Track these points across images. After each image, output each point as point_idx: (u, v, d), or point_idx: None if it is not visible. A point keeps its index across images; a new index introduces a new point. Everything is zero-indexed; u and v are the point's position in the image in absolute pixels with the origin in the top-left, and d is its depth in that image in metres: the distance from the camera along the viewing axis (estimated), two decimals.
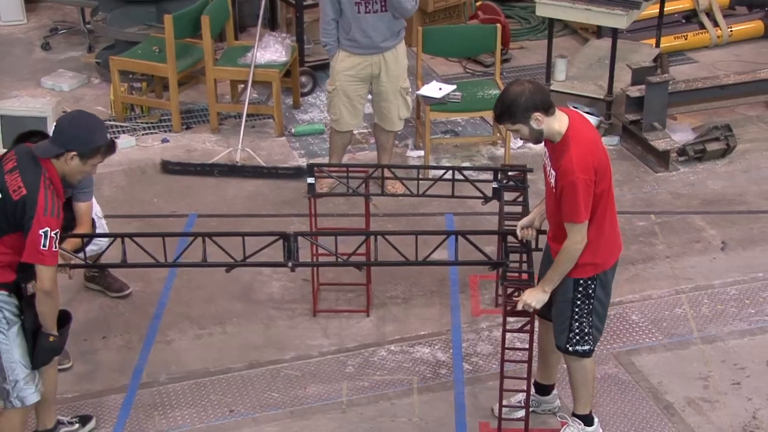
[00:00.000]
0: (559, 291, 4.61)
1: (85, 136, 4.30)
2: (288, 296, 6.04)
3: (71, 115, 4.41)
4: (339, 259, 5.05)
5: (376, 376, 5.43)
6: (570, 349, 4.68)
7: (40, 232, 4.17)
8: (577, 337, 4.65)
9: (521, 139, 4.56)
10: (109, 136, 4.42)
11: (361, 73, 6.70)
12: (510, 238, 4.90)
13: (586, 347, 4.67)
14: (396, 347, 5.64)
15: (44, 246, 4.20)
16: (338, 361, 5.53)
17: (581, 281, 4.55)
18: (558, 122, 4.39)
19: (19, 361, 4.42)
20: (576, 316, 4.61)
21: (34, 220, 4.17)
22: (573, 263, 4.45)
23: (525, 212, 5.19)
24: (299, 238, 4.92)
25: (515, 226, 5.10)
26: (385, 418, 5.15)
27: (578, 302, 4.58)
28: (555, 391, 5.11)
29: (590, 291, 4.57)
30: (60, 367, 5.30)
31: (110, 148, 4.41)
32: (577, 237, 4.40)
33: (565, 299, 4.61)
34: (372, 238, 5.07)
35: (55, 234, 4.22)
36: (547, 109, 4.36)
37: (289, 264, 4.91)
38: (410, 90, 6.92)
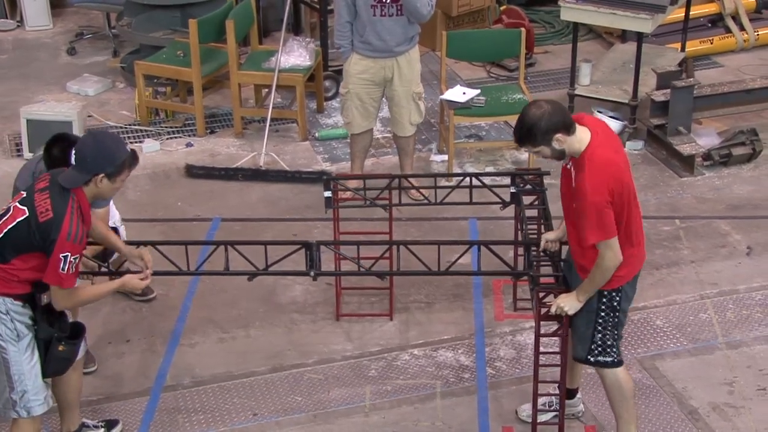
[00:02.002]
0: None
1: (108, 156, 4.32)
2: (311, 300, 6.05)
3: (88, 140, 4.41)
4: (361, 269, 5.08)
5: (399, 380, 5.43)
6: (592, 360, 4.63)
7: (61, 255, 4.22)
8: (599, 349, 4.60)
9: (543, 157, 4.52)
10: (128, 147, 4.44)
11: (375, 76, 6.69)
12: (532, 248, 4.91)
13: (609, 359, 4.63)
14: (419, 351, 5.63)
15: (63, 269, 4.24)
16: (361, 365, 5.53)
17: (606, 293, 4.51)
18: (578, 141, 4.35)
19: (27, 373, 4.42)
20: (600, 328, 4.57)
21: (57, 243, 4.21)
22: (607, 278, 4.43)
23: (544, 215, 5.20)
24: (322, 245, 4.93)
25: (535, 230, 5.09)
26: (408, 422, 5.15)
27: (602, 314, 4.54)
28: (579, 395, 5.09)
29: (615, 303, 4.53)
30: (85, 370, 5.33)
31: (134, 159, 4.43)
32: (608, 254, 4.35)
33: (588, 310, 4.56)
34: (394, 247, 5.07)
35: (75, 259, 4.27)
36: (568, 129, 4.33)
37: (312, 273, 4.93)
38: (423, 95, 6.91)
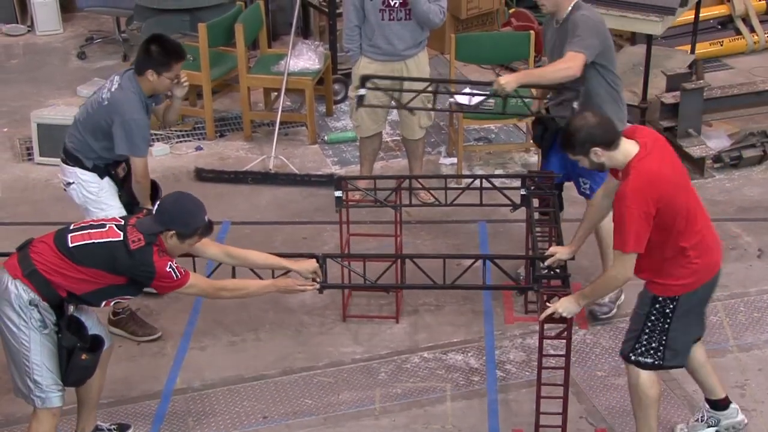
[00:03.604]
0: (638, 300, 4.56)
1: (185, 218, 4.52)
2: (320, 303, 6.04)
3: (173, 196, 4.62)
4: (367, 281, 5.14)
5: (409, 383, 5.42)
6: (632, 358, 4.57)
7: (167, 270, 4.44)
8: (642, 349, 4.54)
9: (584, 166, 4.50)
10: (206, 218, 4.58)
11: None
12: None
13: (649, 360, 4.54)
14: (429, 354, 5.63)
15: (177, 276, 4.48)
16: (371, 368, 5.53)
17: (660, 299, 4.47)
18: (623, 154, 4.33)
19: (45, 365, 4.49)
20: (647, 331, 4.51)
21: (156, 267, 4.42)
22: (610, 291, 4.42)
23: (554, 219, 5.18)
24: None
25: (546, 233, 5.07)
26: (418, 425, 5.14)
27: (652, 317, 4.49)
28: (734, 405, 4.91)
29: (667, 311, 4.46)
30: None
31: (207, 229, 4.60)
32: (620, 270, 4.33)
33: (640, 312, 4.54)
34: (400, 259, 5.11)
35: (175, 263, 4.49)
36: (609, 144, 4.32)
37: (318, 285, 4.95)
38: (432, 98, 6.90)
